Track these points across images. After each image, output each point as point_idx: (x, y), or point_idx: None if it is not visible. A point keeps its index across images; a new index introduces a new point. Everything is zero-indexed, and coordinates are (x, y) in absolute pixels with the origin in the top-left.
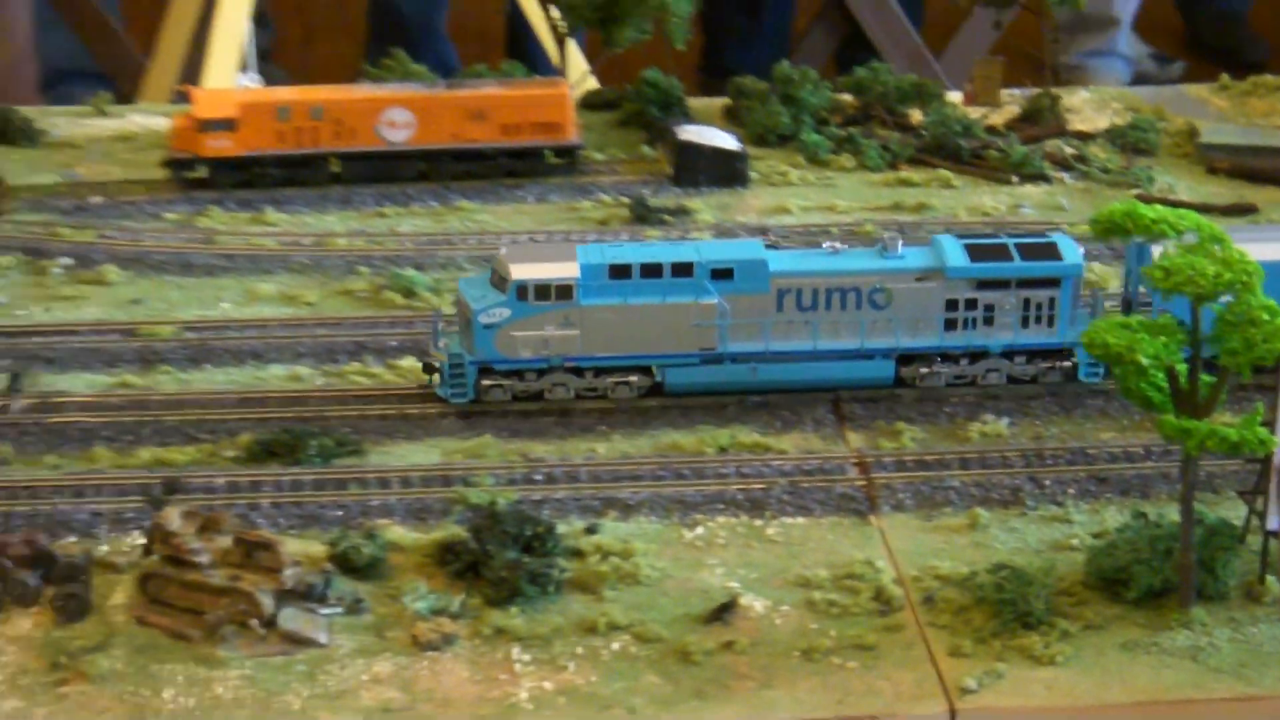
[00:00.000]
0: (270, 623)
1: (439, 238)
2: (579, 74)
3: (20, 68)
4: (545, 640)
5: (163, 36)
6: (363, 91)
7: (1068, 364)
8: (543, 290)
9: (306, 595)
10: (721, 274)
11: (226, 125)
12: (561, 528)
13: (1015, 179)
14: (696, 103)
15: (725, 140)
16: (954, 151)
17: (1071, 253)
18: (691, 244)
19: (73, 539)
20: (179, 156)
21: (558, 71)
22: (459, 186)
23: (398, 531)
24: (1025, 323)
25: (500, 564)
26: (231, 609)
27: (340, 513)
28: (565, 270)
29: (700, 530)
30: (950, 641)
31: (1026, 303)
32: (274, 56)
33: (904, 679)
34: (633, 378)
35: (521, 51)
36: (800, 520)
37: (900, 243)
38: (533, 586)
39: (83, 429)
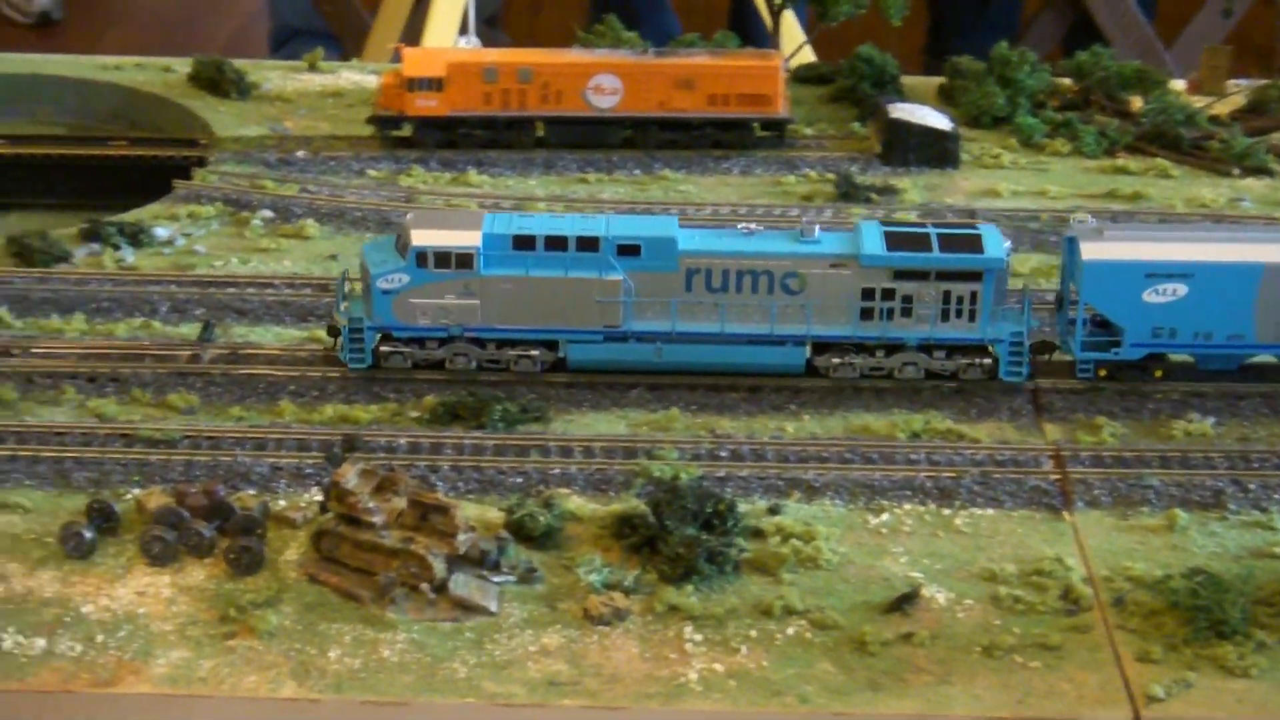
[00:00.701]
0: (441, 588)
1: (639, 206)
2: (794, 47)
3: (253, 25)
4: (719, 621)
5: None
6: (571, 56)
7: (988, 361)
8: (442, 257)
9: (480, 562)
10: (628, 250)
11: (434, 85)
12: (743, 506)
13: (1236, 171)
14: (911, 81)
15: (937, 119)
16: (1174, 141)
17: (995, 246)
18: (601, 218)
19: (251, 491)
20: (385, 114)
21: (774, 44)
22: (664, 155)
23: (576, 502)
24: (945, 316)
25: (678, 540)
26: (403, 571)
27: (520, 480)
28: (467, 239)
29: (885, 517)
30: (1139, 646)
31: (947, 295)
32: (502, 22)
33: (1088, 682)
34: (534, 351)
35: (743, 24)
36: (990, 512)
37: (818, 228)
38: (710, 565)
39: (270, 381)
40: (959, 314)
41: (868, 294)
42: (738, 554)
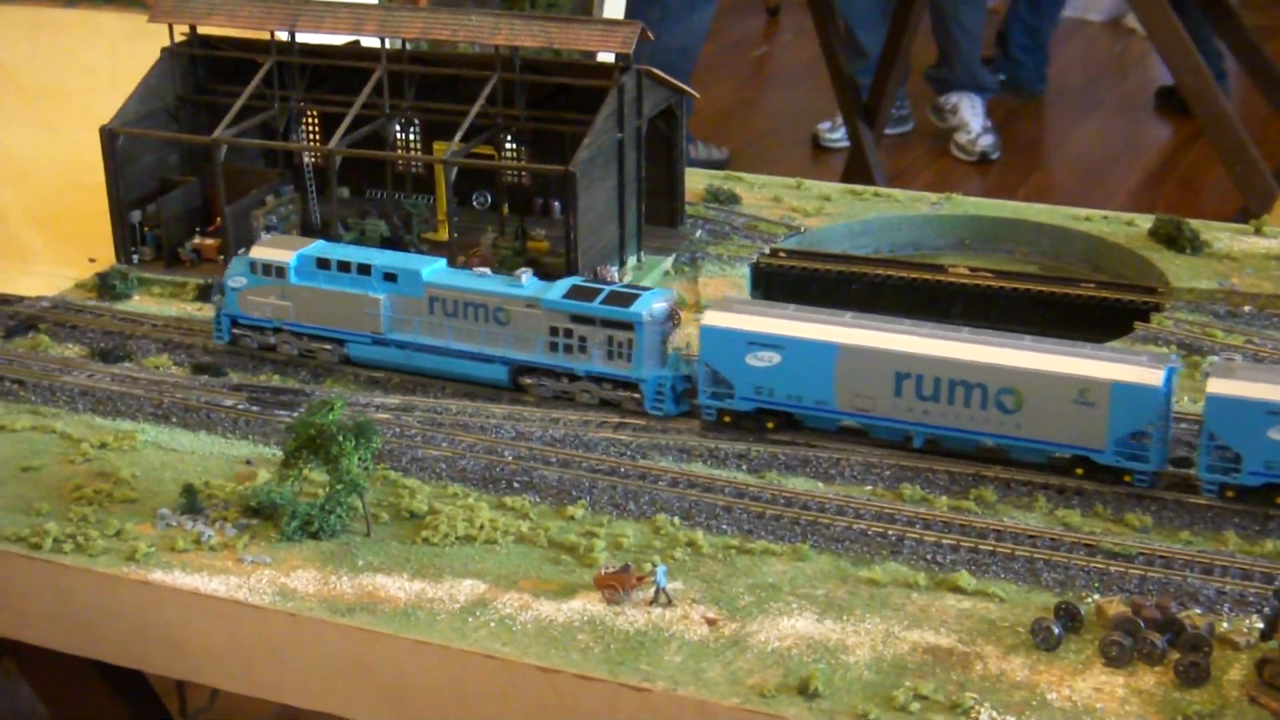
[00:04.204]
0: None
1: None
2: None
3: (1150, 182)
4: None
5: None
6: None
7: (637, 395)
8: (266, 268)
9: None
10: (389, 277)
11: None
12: None
13: None
14: None
15: None
16: None
17: (644, 305)
18: (386, 253)
19: (1198, 611)
20: None
21: None
22: None
23: None
24: (609, 356)
25: None
26: None
27: None
28: (284, 256)
29: None
30: None
31: (610, 339)
32: None
33: None
34: (328, 347)
35: None
36: None
37: (529, 274)
38: None
39: (1216, 512)
40: (619, 355)
41: (554, 330)
42: None
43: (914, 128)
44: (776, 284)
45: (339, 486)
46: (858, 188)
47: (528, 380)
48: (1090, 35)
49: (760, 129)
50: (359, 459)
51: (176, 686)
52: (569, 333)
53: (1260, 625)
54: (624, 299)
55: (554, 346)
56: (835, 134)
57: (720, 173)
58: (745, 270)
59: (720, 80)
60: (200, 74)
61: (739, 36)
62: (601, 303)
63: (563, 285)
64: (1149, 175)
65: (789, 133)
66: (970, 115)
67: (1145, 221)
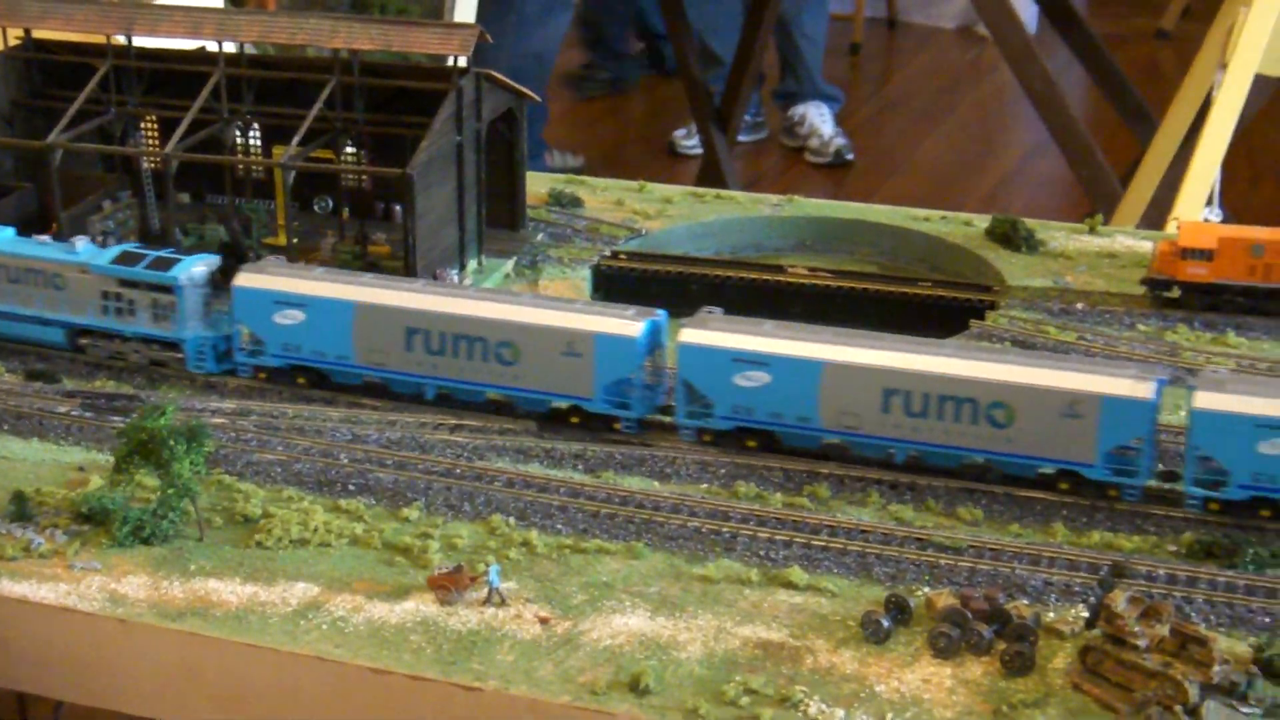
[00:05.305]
0: (1193, 711)
1: None
2: None
3: (1007, 184)
4: None
5: (1140, 170)
6: None
7: (179, 355)
8: None
9: (1229, 692)
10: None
11: (1205, 255)
12: None
13: None
14: None
15: None
16: None
17: (183, 270)
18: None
19: (1025, 601)
20: (1158, 278)
21: None
22: None
23: None
24: (154, 318)
25: None
26: (1160, 692)
27: (1268, 619)
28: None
29: None
30: None
31: (155, 302)
32: (1223, 196)
33: None
34: None
35: None
36: None
37: (85, 241)
38: None
39: (1045, 505)
40: (163, 317)
41: (105, 295)
42: None
43: (769, 135)
44: (617, 286)
45: (171, 491)
46: (700, 190)
47: (84, 341)
48: (942, 43)
49: (616, 137)
50: (190, 463)
51: (16, 700)
52: (119, 296)
53: (1085, 614)
54: (166, 264)
55: (105, 310)
56: (690, 141)
57: (563, 176)
58: (586, 273)
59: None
60: (36, 79)
61: None
62: (145, 268)
63: (113, 251)
64: (1003, 180)
65: (645, 140)
66: (820, 121)
67: (983, 221)
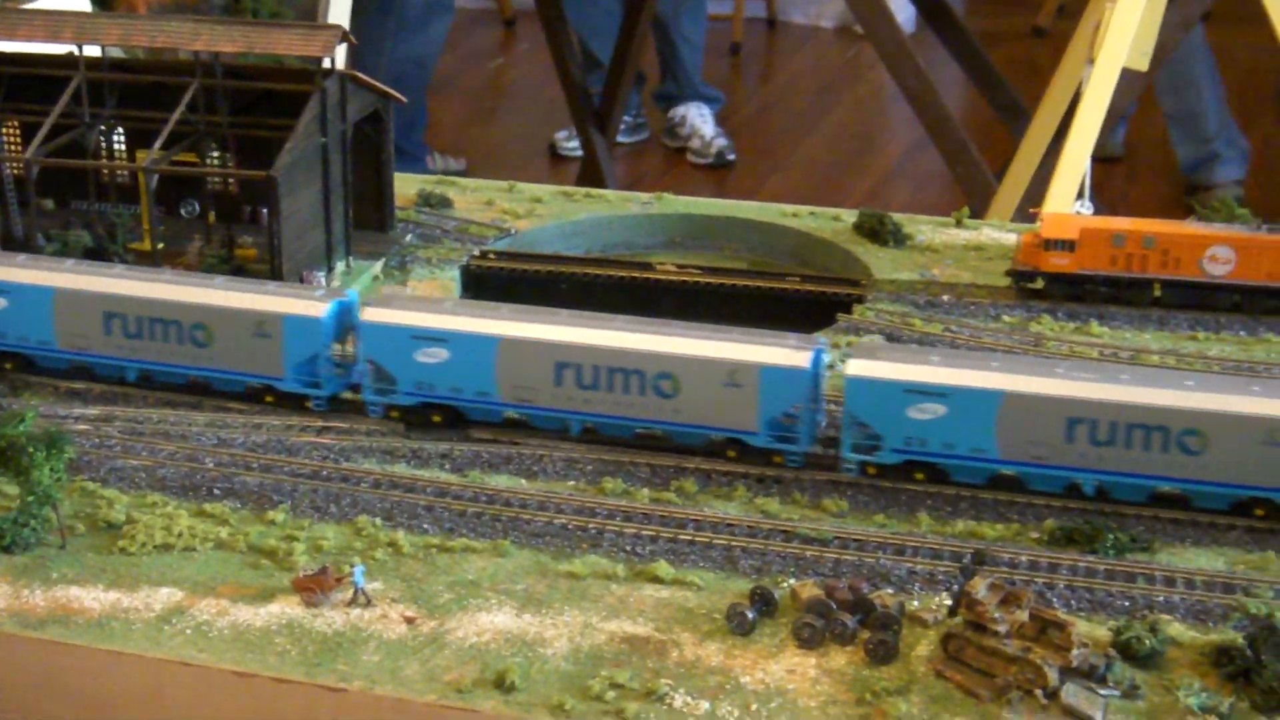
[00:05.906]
0: (1054, 695)
1: (1244, 364)
2: None
3: (888, 182)
4: None
5: (1013, 165)
6: (1191, 228)
7: None
8: None
9: (1088, 675)
10: None
11: (1067, 246)
12: None
13: None
14: None
15: None
16: None
17: None
18: None
19: (889, 591)
20: (1022, 269)
21: None
22: (1268, 320)
23: (1177, 628)
24: None
25: (1272, 675)
26: (1020, 677)
27: (1127, 603)
28: None
29: None
30: None
31: None
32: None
33: None
34: None
35: None
36: None
37: None
38: None
39: (910, 495)
40: None
41: None
42: None
43: (651, 136)
44: (487, 285)
45: (31, 498)
46: (570, 189)
47: None
48: (822, 42)
49: (498, 139)
50: (51, 470)
51: None
52: None
53: (948, 602)
54: None
55: None
56: (572, 143)
57: (433, 177)
58: (455, 273)
59: (458, 91)
60: None
61: (476, 48)
62: None
63: None
64: (884, 177)
65: (527, 142)
66: (700, 122)
67: (851, 216)
